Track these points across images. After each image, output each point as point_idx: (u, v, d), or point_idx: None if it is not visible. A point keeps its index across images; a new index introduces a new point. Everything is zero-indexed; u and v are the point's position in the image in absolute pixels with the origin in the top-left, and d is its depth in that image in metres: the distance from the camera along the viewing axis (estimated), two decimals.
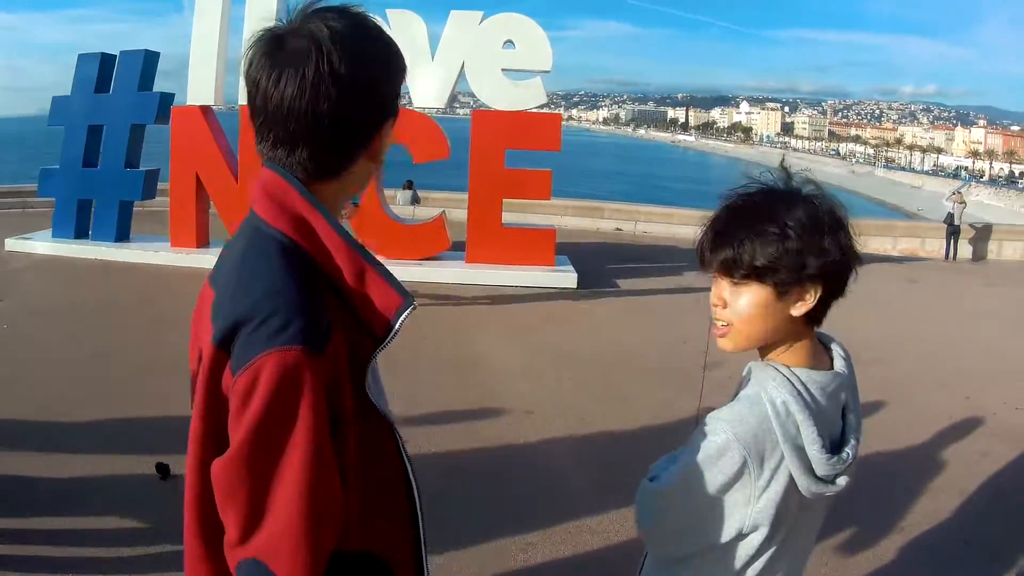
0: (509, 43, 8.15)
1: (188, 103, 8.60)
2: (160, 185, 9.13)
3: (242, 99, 7.90)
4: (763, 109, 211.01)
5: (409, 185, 17.11)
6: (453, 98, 8.60)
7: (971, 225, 16.55)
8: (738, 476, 1.11)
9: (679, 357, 5.37)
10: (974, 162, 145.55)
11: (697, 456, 1.13)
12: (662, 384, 5.15)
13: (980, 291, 10.29)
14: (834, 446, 1.17)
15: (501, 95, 8.19)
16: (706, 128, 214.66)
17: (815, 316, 1.18)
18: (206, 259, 8.22)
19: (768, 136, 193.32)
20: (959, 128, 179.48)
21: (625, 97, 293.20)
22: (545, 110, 9.18)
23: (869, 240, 15.62)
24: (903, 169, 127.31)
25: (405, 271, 8.20)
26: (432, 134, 8.39)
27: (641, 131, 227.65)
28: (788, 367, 1.17)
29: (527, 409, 4.62)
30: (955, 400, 5.22)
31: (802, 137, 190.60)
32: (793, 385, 1.14)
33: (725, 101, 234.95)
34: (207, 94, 8.61)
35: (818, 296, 1.14)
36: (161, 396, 3.89)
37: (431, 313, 6.91)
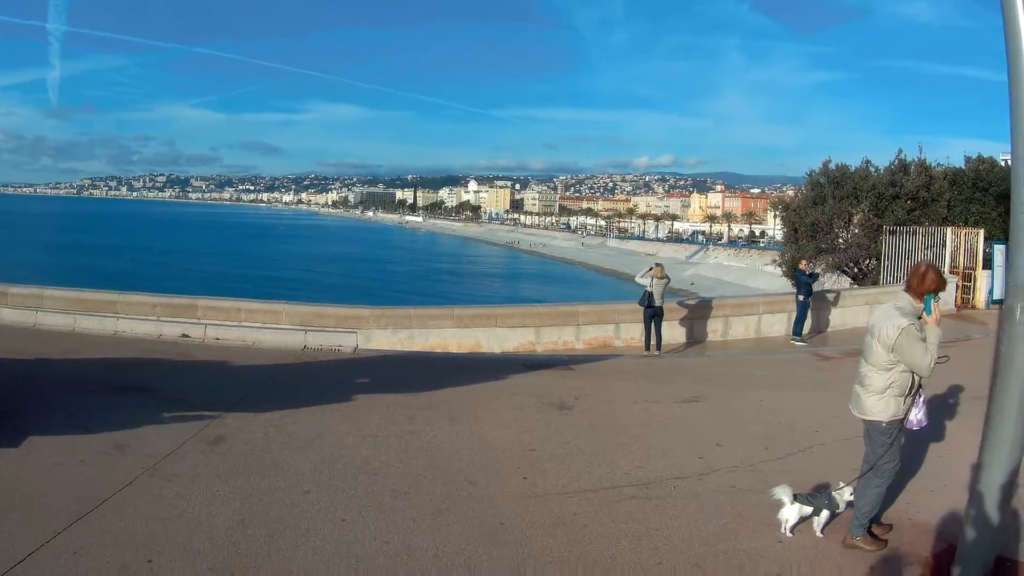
0: None
1: None
2: None
3: None
4: (492, 187, 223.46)
5: None
6: None
7: (680, 303, 12.99)
8: None
9: None
10: (711, 226, 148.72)
11: None
12: None
13: (668, 412, 7.39)
14: None
15: None
16: (434, 208, 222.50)
17: None
18: None
19: (497, 213, 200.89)
20: (695, 195, 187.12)
21: (355, 179, 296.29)
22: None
23: (543, 331, 11.80)
24: (637, 238, 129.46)
25: None
26: None
27: (370, 213, 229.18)
28: None
29: None
30: None
31: (532, 213, 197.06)
32: None
33: (454, 181, 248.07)
34: None
35: None
36: None
37: None
